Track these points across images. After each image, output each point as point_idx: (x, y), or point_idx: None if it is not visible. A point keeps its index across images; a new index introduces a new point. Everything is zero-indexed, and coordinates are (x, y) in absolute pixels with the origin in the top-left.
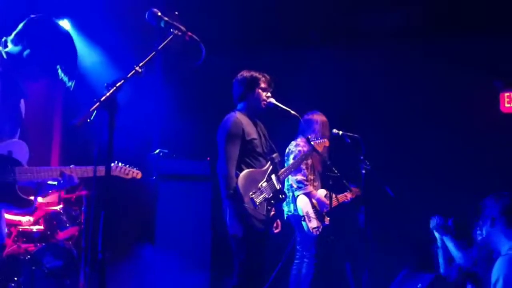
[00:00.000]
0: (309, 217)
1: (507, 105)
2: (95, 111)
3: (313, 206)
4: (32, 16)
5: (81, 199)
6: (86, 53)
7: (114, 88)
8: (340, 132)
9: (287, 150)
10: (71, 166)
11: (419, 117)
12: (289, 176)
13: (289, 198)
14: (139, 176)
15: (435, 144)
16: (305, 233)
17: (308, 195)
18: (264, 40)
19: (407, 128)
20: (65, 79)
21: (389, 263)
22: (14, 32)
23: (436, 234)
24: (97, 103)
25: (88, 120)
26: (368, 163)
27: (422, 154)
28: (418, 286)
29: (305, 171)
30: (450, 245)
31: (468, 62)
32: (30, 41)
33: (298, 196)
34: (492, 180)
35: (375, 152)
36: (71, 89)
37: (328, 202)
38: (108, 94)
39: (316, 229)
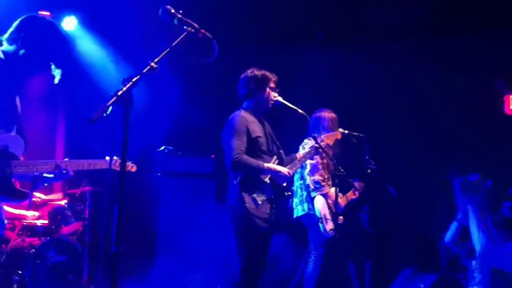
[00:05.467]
0: (326, 219)
1: (511, 107)
2: (111, 106)
3: (329, 207)
4: (26, 15)
5: (85, 195)
6: (92, 49)
7: (131, 83)
8: (346, 131)
9: (302, 150)
10: (65, 159)
11: (421, 118)
12: (306, 176)
13: (302, 197)
14: (134, 169)
15: (438, 145)
16: (318, 233)
17: (325, 196)
18: (269, 38)
19: (409, 129)
20: (56, 73)
21: (392, 263)
22: (9, 31)
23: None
24: (114, 98)
25: (104, 115)
26: (373, 163)
27: (424, 154)
28: (420, 287)
29: (322, 171)
30: None
31: (472, 64)
32: (24, 40)
33: (315, 197)
34: (496, 182)
35: (378, 151)
36: (55, 83)
37: (343, 204)
38: (124, 89)
39: (333, 230)
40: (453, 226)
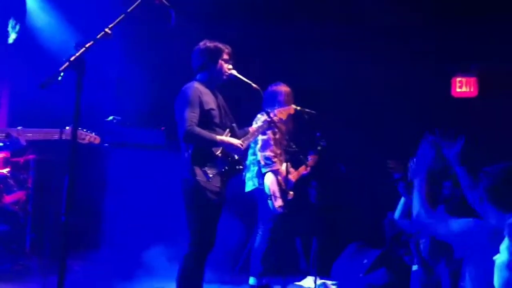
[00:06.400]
0: (275, 197)
1: (458, 89)
2: (63, 72)
3: (279, 184)
4: None
5: (29, 163)
6: (39, 13)
7: (84, 48)
8: (299, 108)
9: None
10: (18, 127)
11: (373, 100)
12: (258, 152)
13: (254, 172)
14: (97, 141)
15: (388, 127)
16: (267, 208)
17: (276, 172)
18: (233, 14)
19: (361, 112)
20: (13, 31)
21: (338, 238)
22: None
23: None
24: (66, 63)
25: (57, 80)
26: (324, 140)
27: (375, 136)
28: (364, 262)
29: (274, 146)
30: None
31: (420, 48)
32: None
33: (265, 173)
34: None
35: (330, 132)
36: (10, 42)
37: (294, 179)
38: (77, 54)
39: (281, 207)
40: (401, 202)
